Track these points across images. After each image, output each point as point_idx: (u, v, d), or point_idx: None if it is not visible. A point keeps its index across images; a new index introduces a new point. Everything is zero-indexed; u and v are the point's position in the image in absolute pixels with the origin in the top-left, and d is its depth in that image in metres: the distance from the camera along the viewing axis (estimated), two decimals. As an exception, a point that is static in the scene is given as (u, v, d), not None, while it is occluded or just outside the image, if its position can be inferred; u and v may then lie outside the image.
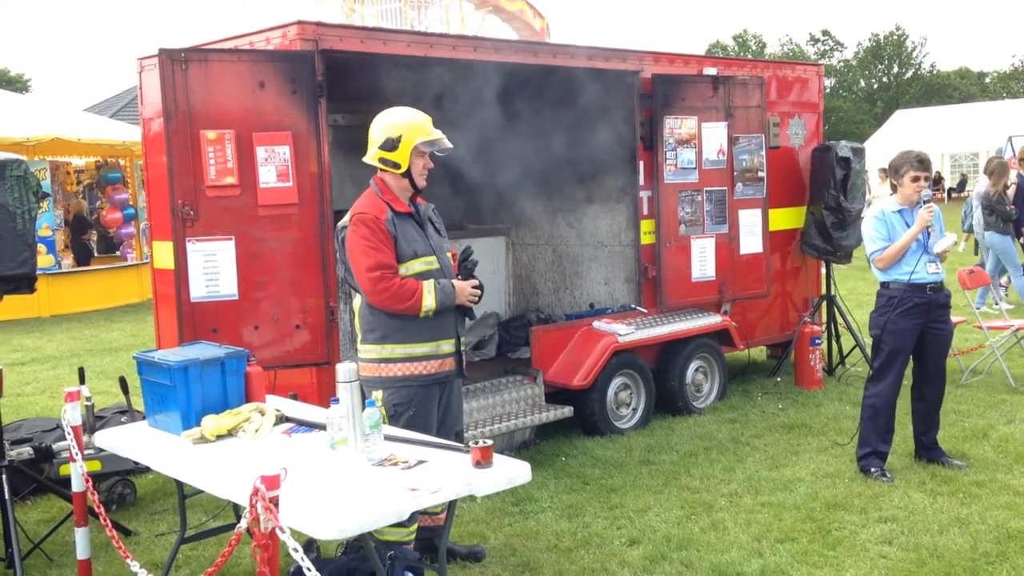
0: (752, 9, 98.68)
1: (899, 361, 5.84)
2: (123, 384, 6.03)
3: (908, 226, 5.78)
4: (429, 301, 4.36)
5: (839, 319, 8.80)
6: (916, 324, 5.78)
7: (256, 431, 4.11)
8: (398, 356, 4.43)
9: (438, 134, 4.48)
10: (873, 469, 5.81)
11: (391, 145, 4.40)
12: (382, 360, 4.45)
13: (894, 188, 5.97)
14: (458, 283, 4.49)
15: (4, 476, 4.79)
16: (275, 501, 2.95)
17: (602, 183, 8.08)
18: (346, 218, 4.48)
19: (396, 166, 4.43)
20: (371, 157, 4.48)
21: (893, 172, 5.90)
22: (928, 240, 5.78)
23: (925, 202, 5.73)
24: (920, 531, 4.96)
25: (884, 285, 5.86)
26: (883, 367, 5.85)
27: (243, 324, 5.59)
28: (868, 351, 8.59)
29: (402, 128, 4.41)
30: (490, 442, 3.60)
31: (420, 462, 3.65)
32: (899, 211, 5.85)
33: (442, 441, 4.04)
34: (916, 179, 5.79)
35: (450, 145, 4.54)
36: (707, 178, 7.64)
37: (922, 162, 5.81)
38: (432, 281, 4.40)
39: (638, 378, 7.22)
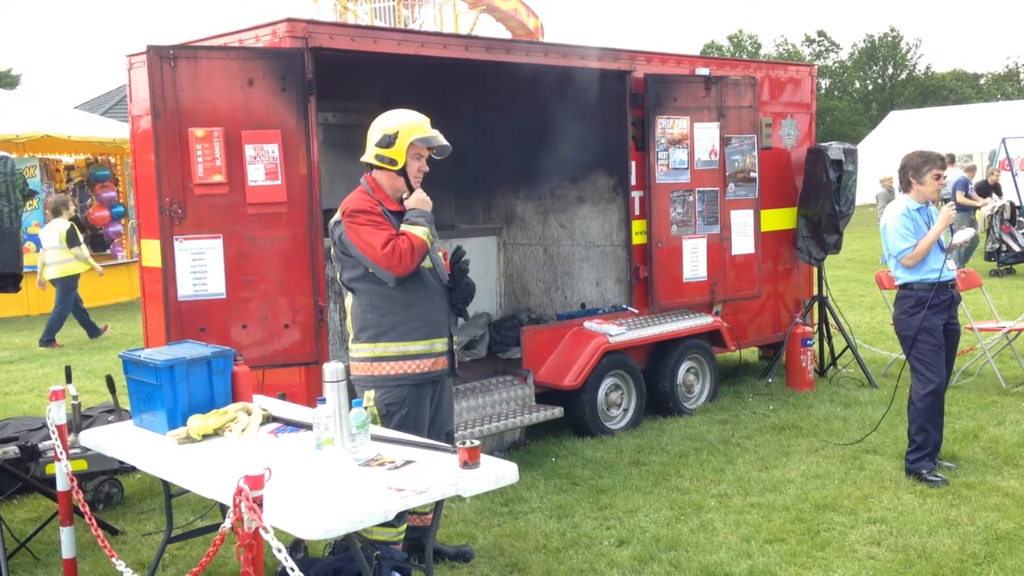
0: (747, 9, 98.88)
1: (942, 354, 5.84)
2: (110, 383, 5.99)
3: (927, 223, 5.83)
4: (419, 231, 4.32)
5: (831, 320, 8.79)
6: (943, 320, 5.83)
7: (242, 431, 4.09)
8: (392, 354, 4.42)
9: (435, 133, 4.49)
10: (925, 471, 5.72)
11: (387, 141, 4.40)
12: (375, 359, 4.43)
13: (904, 187, 5.97)
14: (413, 201, 4.45)
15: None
16: (259, 501, 2.94)
17: (594, 183, 8.07)
18: (338, 214, 4.45)
19: (393, 163, 4.43)
20: (369, 156, 4.48)
21: (913, 171, 5.89)
22: (949, 238, 5.86)
23: (946, 200, 5.77)
24: (909, 532, 4.96)
25: (907, 286, 5.84)
26: (930, 364, 5.79)
27: (231, 323, 5.56)
28: (859, 353, 8.63)
29: (399, 125, 4.43)
30: (477, 443, 3.58)
31: (407, 462, 3.63)
32: (918, 209, 5.90)
33: (429, 441, 4.02)
34: (938, 177, 5.87)
35: (446, 143, 4.52)
36: (699, 178, 7.63)
37: (942, 160, 5.97)
38: (404, 228, 4.34)
39: (629, 379, 7.20)
